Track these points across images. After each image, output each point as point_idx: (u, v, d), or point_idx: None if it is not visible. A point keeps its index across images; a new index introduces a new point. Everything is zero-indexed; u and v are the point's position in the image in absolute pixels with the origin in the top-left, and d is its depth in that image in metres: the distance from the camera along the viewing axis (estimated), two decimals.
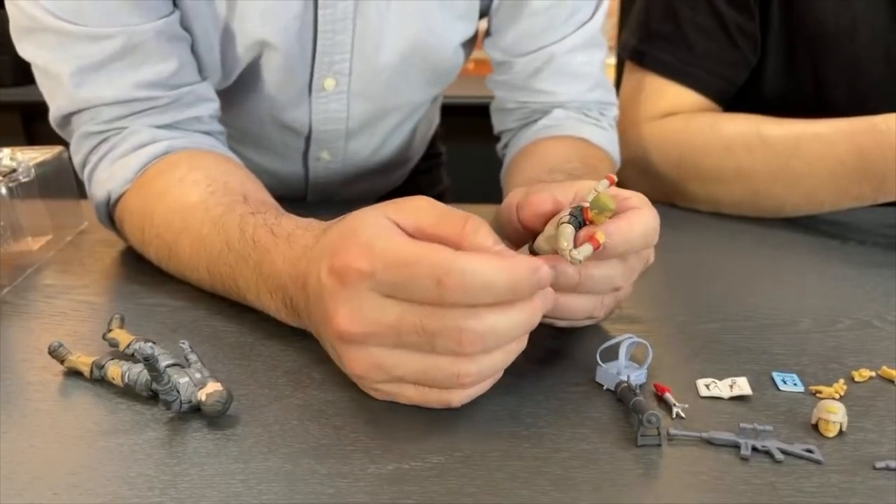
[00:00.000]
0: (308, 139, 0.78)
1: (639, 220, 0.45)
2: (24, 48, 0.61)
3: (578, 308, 0.47)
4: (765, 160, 0.74)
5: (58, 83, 0.61)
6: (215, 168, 0.59)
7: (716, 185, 0.78)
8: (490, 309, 0.37)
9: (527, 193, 0.48)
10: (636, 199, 0.47)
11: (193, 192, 0.56)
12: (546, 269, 0.38)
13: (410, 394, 0.41)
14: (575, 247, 0.41)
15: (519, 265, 0.37)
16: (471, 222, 0.39)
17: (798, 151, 0.73)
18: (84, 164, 0.63)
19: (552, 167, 0.64)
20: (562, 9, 0.73)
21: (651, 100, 0.84)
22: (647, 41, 0.84)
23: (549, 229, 0.46)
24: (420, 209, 0.40)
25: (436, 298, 0.37)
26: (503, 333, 0.38)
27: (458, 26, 0.74)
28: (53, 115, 0.63)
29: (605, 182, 0.44)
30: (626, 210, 0.46)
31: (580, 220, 0.43)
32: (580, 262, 0.41)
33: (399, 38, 0.71)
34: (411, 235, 0.39)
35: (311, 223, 0.47)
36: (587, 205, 0.43)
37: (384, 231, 0.39)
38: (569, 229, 0.42)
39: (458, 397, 0.40)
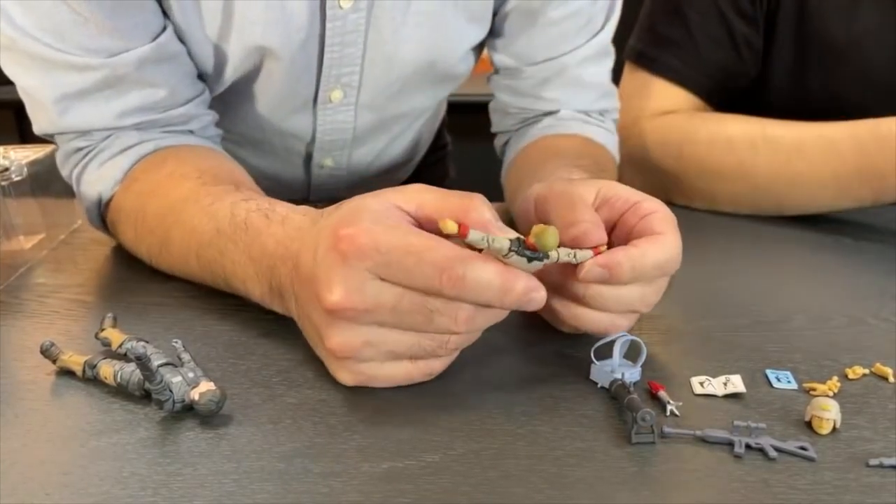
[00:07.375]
0: (311, 147, 0.77)
1: (654, 249, 0.44)
2: (6, 65, 0.59)
3: (590, 321, 0.46)
4: (768, 158, 0.75)
5: (40, 106, 0.59)
6: (203, 161, 0.59)
7: (715, 181, 0.78)
8: None
9: (550, 189, 0.48)
10: (660, 219, 0.45)
11: (183, 186, 0.55)
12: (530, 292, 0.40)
13: (392, 372, 0.42)
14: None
15: (515, 277, 0.39)
16: (474, 198, 0.41)
17: (802, 151, 0.73)
18: (71, 171, 0.62)
19: (566, 164, 0.63)
20: (577, 19, 0.71)
21: (653, 99, 0.84)
22: (653, 44, 0.84)
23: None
24: (421, 190, 0.42)
25: (436, 288, 0.38)
26: (490, 315, 0.41)
27: (471, 30, 0.72)
28: (37, 131, 0.62)
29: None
30: (648, 233, 0.45)
31: (524, 248, 0.39)
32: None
33: (414, 50, 0.69)
34: (415, 217, 0.41)
35: (307, 208, 0.48)
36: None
37: (392, 216, 0.40)
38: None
39: (440, 364, 0.43)
